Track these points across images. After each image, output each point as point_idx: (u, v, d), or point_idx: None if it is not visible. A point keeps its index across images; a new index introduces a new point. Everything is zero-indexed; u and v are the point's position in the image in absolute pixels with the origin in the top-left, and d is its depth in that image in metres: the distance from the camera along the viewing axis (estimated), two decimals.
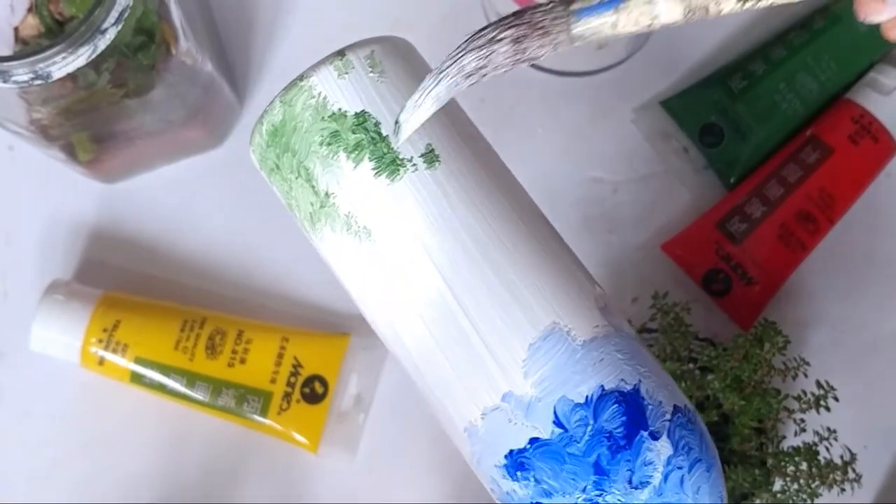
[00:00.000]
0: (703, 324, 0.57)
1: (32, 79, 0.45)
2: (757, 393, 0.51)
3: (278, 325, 0.58)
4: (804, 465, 0.51)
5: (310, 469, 0.58)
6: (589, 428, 0.32)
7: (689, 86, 0.61)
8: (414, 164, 0.34)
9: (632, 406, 0.33)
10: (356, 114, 0.34)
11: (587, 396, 0.32)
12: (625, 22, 0.31)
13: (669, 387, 0.34)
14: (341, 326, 0.59)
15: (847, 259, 0.60)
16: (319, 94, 0.35)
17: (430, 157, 0.34)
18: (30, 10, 0.52)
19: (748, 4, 0.31)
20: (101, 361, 0.56)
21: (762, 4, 0.31)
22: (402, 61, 0.36)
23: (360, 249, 0.34)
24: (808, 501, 0.51)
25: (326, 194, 0.35)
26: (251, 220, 0.60)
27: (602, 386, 0.33)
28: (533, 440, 0.33)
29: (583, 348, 0.33)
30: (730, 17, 0.32)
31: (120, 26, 0.46)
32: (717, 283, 0.58)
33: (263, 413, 0.56)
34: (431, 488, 0.58)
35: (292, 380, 0.56)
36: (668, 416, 0.33)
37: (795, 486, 0.51)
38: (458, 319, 0.33)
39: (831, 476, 0.51)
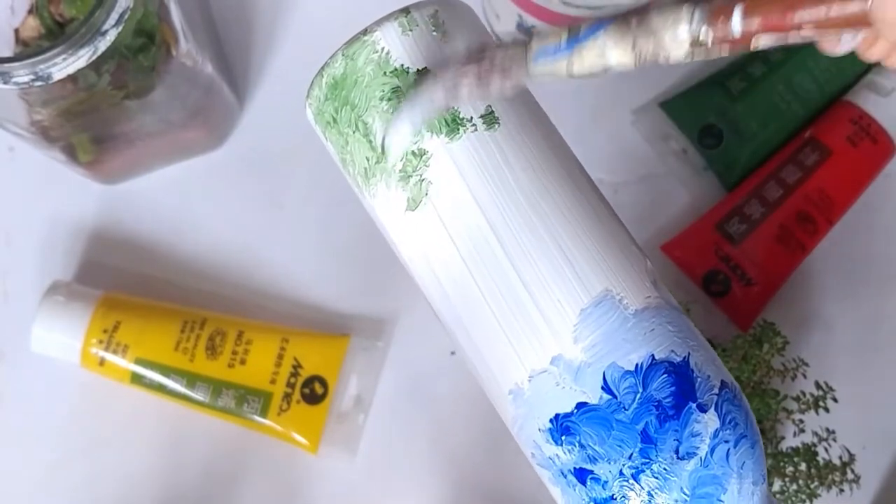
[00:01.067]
0: (703, 324, 0.57)
1: (33, 80, 0.45)
2: (756, 393, 0.52)
3: (278, 326, 0.58)
4: (803, 466, 0.51)
5: (309, 470, 0.58)
6: (638, 396, 0.32)
7: (688, 88, 0.61)
8: (474, 125, 0.34)
9: (681, 377, 0.33)
10: (418, 71, 0.34)
11: (637, 364, 0.32)
12: (579, 67, 0.32)
13: (717, 362, 0.34)
14: (341, 327, 0.59)
15: (846, 260, 0.60)
16: (383, 48, 0.35)
17: (490, 118, 0.34)
18: (30, 11, 0.53)
19: (699, 55, 0.32)
20: (102, 362, 0.56)
21: (710, 56, 0.32)
22: (462, 23, 0.36)
23: (415, 206, 0.34)
24: (807, 502, 0.51)
25: (384, 149, 0.35)
26: (251, 221, 0.61)
27: (652, 355, 0.33)
28: (580, 405, 0.33)
29: (634, 317, 0.33)
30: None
31: (120, 28, 0.46)
32: (716, 284, 0.58)
33: (263, 414, 0.56)
34: (431, 489, 0.58)
35: (292, 380, 0.56)
36: (715, 391, 0.33)
37: (794, 486, 0.51)
38: (511, 280, 0.33)
39: (830, 477, 0.51)
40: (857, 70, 0.61)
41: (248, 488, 0.58)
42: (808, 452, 0.51)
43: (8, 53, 0.51)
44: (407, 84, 0.34)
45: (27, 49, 0.52)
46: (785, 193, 0.58)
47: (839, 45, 0.32)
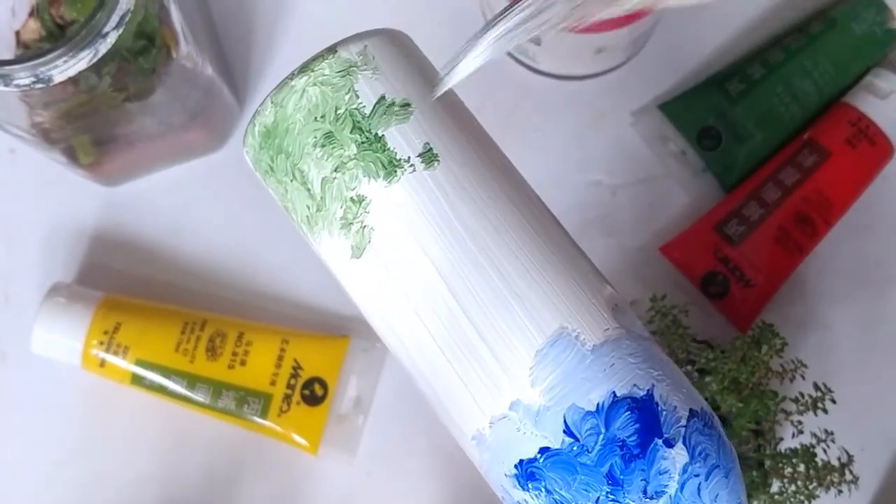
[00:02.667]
0: (701, 326, 0.58)
1: (34, 82, 0.45)
2: (755, 395, 0.52)
3: (278, 328, 0.58)
4: (802, 467, 0.51)
5: (309, 470, 0.58)
6: (601, 437, 0.31)
7: (687, 89, 0.61)
8: (412, 165, 0.33)
9: (645, 412, 0.31)
10: (349, 112, 0.33)
11: (598, 404, 0.31)
12: None
13: (685, 389, 0.33)
14: (341, 328, 0.59)
15: (844, 262, 0.60)
16: (311, 93, 0.34)
17: (429, 156, 0.33)
18: (31, 14, 0.53)
19: None
20: (102, 363, 0.56)
21: None
22: (396, 55, 0.35)
23: (359, 253, 0.33)
24: (806, 503, 0.51)
25: (322, 197, 0.33)
26: (251, 223, 0.61)
27: (613, 392, 0.31)
28: (543, 449, 0.31)
29: (592, 353, 0.32)
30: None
31: (121, 30, 0.46)
32: (714, 286, 0.58)
33: (263, 415, 0.56)
34: (431, 490, 0.58)
35: (292, 382, 0.56)
36: (683, 422, 0.32)
37: (793, 487, 0.51)
38: (462, 325, 0.32)
39: (829, 478, 0.51)
40: (855, 72, 0.61)
41: (248, 489, 0.58)
42: (807, 453, 0.51)
43: (9, 56, 0.51)
44: (339, 128, 0.33)
45: (28, 51, 0.52)
46: (783, 195, 0.58)
47: None
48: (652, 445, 0.31)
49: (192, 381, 0.56)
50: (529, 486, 0.32)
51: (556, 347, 0.32)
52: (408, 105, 0.33)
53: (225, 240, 0.60)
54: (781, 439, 0.53)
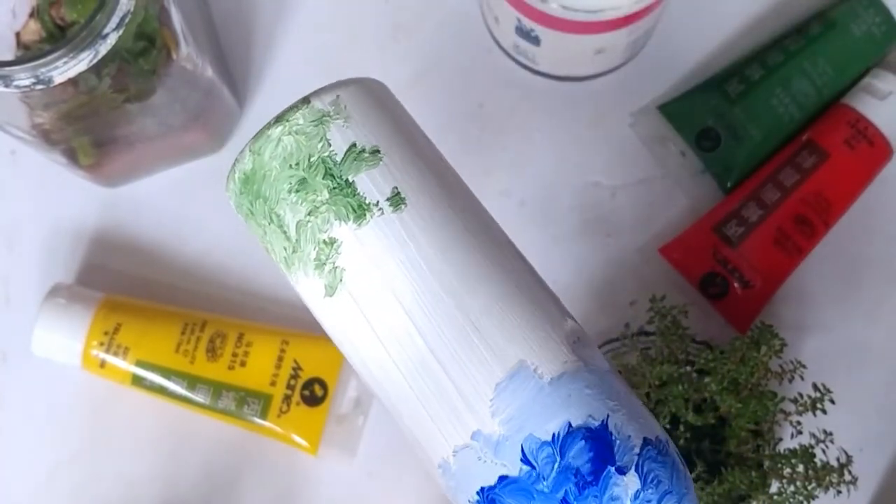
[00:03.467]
0: (701, 327, 0.58)
1: (34, 83, 0.45)
2: (754, 396, 0.52)
3: (278, 328, 0.58)
4: (801, 468, 0.51)
5: (309, 471, 0.58)
6: (556, 465, 0.32)
7: (686, 90, 0.61)
8: (380, 208, 0.34)
9: (599, 441, 0.33)
10: (322, 159, 0.35)
11: (554, 434, 0.33)
12: None
13: (641, 419, 0.34)
14: None
15: (843, 262, 0.60)
16: (286, 142, 0.35)
17: (397, 200, 0.34)
18: (31, 15, 0.53)
19: None
20: (103, 364, 0.56)
21: None
22: (368, 103, 0.36)
23: (332, 292, 0.35)
24: (805, 503, 0.51)
25: (297, 240, 0.35)
26: None
27: (569, 423, 0.33)
28: (502, 478, 0.33)
29: (550, 385, 0.33)
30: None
31: (121, 31, 0.46)
32: (714, 287, 0.58)
33: (263, 415, 0.56)
34: (430, 490, 0.58)
35: (292, 382, 0.57)
36: (636, 450, 0.33)
37: (792, 487, 0.51)
38: (427, 360, 0.34)
39: (828, 478, 0.51)
40: (854, 73, 0.61)
41: (248, 490, 0.58)
42: (806, 454, 0.51)
43: (9, 57, 0.51)
44: (312, 174, 0.35)
45: (28, 52, 0.52)
46: (782, 196, 0.58)
47: None
48: (605, 473, 0.33)
49: (192, 381, 0.56)
50: None
51: (515, 380, 0.33)
52: (377, 151, 0.35)
53: (225, 241, 0.61)
54: (780, 440, 0.53)
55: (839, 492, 0.51)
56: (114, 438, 0.58)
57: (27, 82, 0.45)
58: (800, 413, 0.52)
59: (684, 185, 0.61)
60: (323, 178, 0.35)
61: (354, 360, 0.36)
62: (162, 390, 0.56)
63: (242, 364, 0.56)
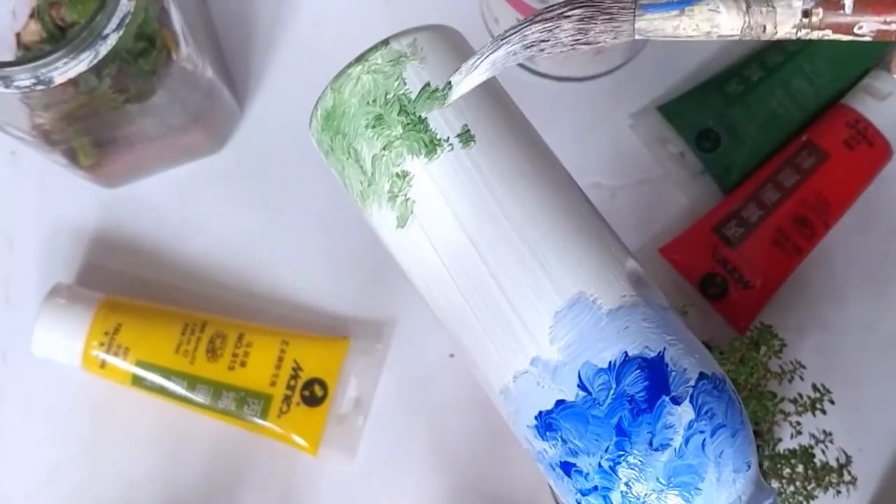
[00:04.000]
0: (700, 327, 0.57)
1: (34, 84, 0.45)
2: (753, 396, 0.52)
3: (278, 329, 0.58)
4: (800, 468, 0.51)
5: (309, 471, 0.58)
6: (611, 391, 0.34)
7: (686, 91, 0.61)
8: (450, 144, 0.36)
9: (654, 371, 0.34)
10: (397, 97, 0.36)
11: (610, 362, 0.34)
12: (686, 25, 0.33)
13: (698, 354, 0.35)
14: (341, 330, 0.59)
15: (843, 263, 0.60)
16: (364, 80, 0.37)
17: (466, 137, 0.36)
18: (32, 15, 0.53)
19: (802, 33, 0.32)
20: (103, 364, 0.56)
21: (815, 35, 0.32)
22: (443, 47, 0.38)
23: (403, 223, 0.36)
24: (805, 503, 0.51)
25: (373, 173, 0.37)
26: (251, 224, 0.61)
27: (626, 352, 0.34)
28: (559, 402, 0.34)
29: (608, 316, 0.34)
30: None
31: (121, 32, 0.46)
32: (713, 287, 0.58)
33: (263, 416, 0.56)
34: (430, 490, 0.58)
35: (292, 383, 0.57)
36: (691, 383, 0.34)
37: (791, 488, 0.51)
38: (490, 288, 0.35)
39: (827, 478, 0.51)
40: (854, 74, 0.61)
41: (248, 490, 0.58)
42: (806, 454, 0.51)
43: (9, 57, 0.51)
44: (388, 111, 0.37)
45: (29, 53, 0.52)
46: (782, 197, 0.58)
47: None
48: (659, 402, 0.34)
49: (192, 382, 0.56)
50: (548, 435, 0.35)
51: (574, 310, 0.34)
52: (450, 91, 0.37)
53: (225, 241, 0.61)
54: (780, 440, 0.53)
55: (839, 492, 0.51)
56: (114, 439, 0.58)
57: (27, 83, 0.45)
58: (799, 413, 0.52)
59: (684, 186, 0.61)
60: (398, 115, 0.36)
61: (423, 290, 0.38)
62: (162, 390, 0.56)
63: (242, 364, 0.56)
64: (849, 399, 0.54)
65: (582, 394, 0.34)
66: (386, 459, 0.58)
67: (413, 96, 0.36)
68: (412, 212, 0.36)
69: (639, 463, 0.33)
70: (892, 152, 0.60)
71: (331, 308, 0.60)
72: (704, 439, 0.34)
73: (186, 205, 0.61)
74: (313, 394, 0.57)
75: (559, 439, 0.34)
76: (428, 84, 0.37)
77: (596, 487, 0.34)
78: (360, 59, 0.38)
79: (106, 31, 0.46)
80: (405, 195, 0.36)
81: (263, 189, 0.61)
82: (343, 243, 0.60)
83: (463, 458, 0.58)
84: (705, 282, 0.58)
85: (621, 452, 0.33)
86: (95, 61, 0.46)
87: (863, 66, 0.61)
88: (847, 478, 0.51)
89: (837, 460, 0.52)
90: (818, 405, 0.52)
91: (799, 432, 0.52)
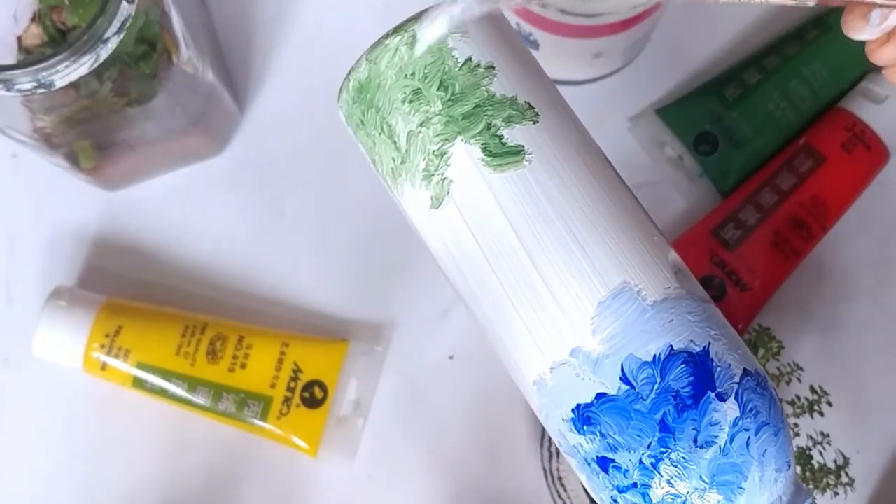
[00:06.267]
0: None
1: (35, 87, 0.45)
2: None
3: (278, 331, 0.58)
4: (798, 469, 0.51)
5: (309, 473, 0.58)
6: (656, 386, 0.32)
7: (684, 95, 0.62)
8: None
9: (700, 367, 0.33)
10: (439, 71, 0.35)
11: (655, 355, 0.33)
12: None
13: (740, 351, 0.34)
14: (341, 332, 0.59)
15: (840, 266, 0.60)
16: (403, 52, 0.35)
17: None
18: (33, 19, 0.53)
19: None
20: (104, 366, 0.56)
21: None
22: (487, 23, 0.36)
23: (438, 204, 0.35)
24: None
25: (407, 150, 0.35)
26: (251, 227, 0.61)
27: (671, 346, 0.33)
28: (599, 395, 0.33)
29: (653, 308, 0.33)
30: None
31: (122, 36, 0.46)
32: (711, 289, 0.58)
33: (263, 417, 0.56)
34: (430, 492, 0.58)
35: (292, 384, 0.57)
36: (736, 379, 0.33)
37: None
38: (530, 274, 0.34)
39: (825, 480, 0.51)
40: (851, 77, 0.61)
41: (249, 492, 0.58)
42: (803, 456, 0.51)
43: (11, 61, 0.52)
44: (427, 85, 0.35)
45: (30, 56, 0.52)
46: (780, 200, 0.58)
47: (867, 27, 0.32)
48: (705, 398, 0.32)
49: (192, 383, 0.56)
50: (585, 429, 0.33)
51: (618, 300, 0.33)
52: (492, 67, 0.35)
53: (226, 243, 0.61)
54: None
55: (836, 493, 0.51)
56: (114, 440, 0.59)
57: (29, 86, 0.45)
58: (797, 415, 0.52)
59: (682, 189, 0.61)
60: (437, 90, 0.35)
61: (454, 274, 0.36)
62: (162, 392, 0.56)
63: (243, 366, 0.56)
64: (846, 401, 0.55)
65: (625, 387, 0.33)
66: (385, 461, 0.58)
67: (455, 71, 0.35)
68: (448, 192, 0.34)
69: (682, 460, 0.32)
70: (890, 155, 0.60)
71: (330, 310, 0.60)
72: (749, 437, 0.33)
73: (187, 207, 0.61)
74: (313, 396, 0.57)
75: (598, 434, 0.33)
76: (470, 59, 0.35)
77: (635, 484, 0.33)
78: (398, 29, 0.36)
79: (107, 35, 0.46)
80: (442, 174, 0.35)
81: (263, 191, 0.62)
82: (343, 246, 0.60)
83: (462, 459, 0.58)
84: (703, 284, 0.58)
85: (664, 449, 0.32)
86: (96, 65, 0.46)
87: (860, 70, 0.61)
88: (845, 479, 0.51)
89: (835, 462, 0.52)
90: (816, 407, 0.52)
91: (797, 434, 0.52)
